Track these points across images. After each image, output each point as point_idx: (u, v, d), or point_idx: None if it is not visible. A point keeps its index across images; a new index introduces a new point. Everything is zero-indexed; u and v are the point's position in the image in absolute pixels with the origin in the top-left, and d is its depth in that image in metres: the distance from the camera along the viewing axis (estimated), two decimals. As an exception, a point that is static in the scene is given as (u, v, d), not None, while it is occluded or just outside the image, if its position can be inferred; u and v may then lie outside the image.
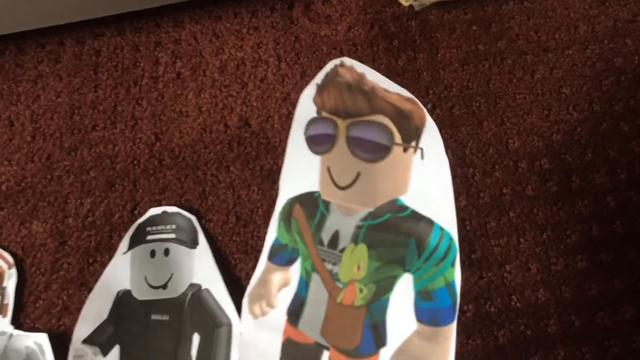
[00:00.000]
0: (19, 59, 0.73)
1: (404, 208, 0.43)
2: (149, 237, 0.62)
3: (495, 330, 0.57)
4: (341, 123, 0.44)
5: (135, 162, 0.68)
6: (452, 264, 0.42)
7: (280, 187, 0.48)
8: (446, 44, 0.71)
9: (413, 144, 0.43)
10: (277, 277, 0.45)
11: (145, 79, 0.73)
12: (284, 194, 0.47)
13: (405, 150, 0.43)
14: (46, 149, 0.70)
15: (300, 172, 0.46)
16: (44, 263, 0.62)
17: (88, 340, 0.57)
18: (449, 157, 0.63)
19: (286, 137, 0.68)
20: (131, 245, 0.61)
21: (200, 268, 0.60)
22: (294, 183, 0.46)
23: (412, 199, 0.43)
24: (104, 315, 0.58)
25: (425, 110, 0.42)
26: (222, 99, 0.72)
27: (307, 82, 0.70)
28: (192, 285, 0.59)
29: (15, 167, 0.69)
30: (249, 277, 0.60)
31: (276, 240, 0.47)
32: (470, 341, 0.56)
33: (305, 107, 0.44)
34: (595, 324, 0.57)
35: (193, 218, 0.62)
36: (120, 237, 0.63)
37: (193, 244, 0.61)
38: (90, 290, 0.61)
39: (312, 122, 0.45)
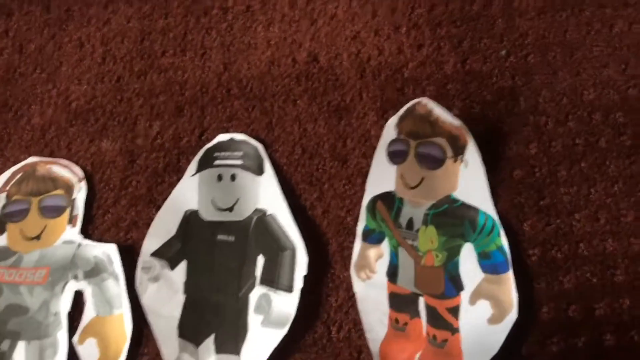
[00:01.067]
0: (91, -18, 0.74)
1: (456, 201, 0.57)
2: (217, 162, 0.62)
3: (561, 276, 0.56)
4: (412, 143, 0.60)
5: (203, 89, 0.69)
6: (499, 235, 0.56)
7: (366, 187, 0.60)
8: (524, -9, 0.70)
9: (460, 157, 0.58)
10: (372, 252, 0.58)
11: (215, 9, 0.73)
12: (369, 193, 0.60)
13: (454, 161, 0.58)
14: (116, 71, 0.70)
15: (381, 177, 0.60)
16: (113, 179, 0.63)
17: (157, 254, 0.58)
18: (521, 106, 0.64)
19: (354, 75, 0.68)
20: (199, 169, 0.62)
21: (266, 194, 0.60)
22: (376, 185, 0.60)
23: (461, 194, 0.57)
24: (172, 231, 0.59)
25: (468, 133, 0.59)
26: (291, 34, 0.71)
27: (377, 22, 0.71)
28: (257, 210, 0.60)
29: (85, 87, 0.70)
30: (313, 206, 0.61)
31: (366, 226, 0.59)
32: (535, 284, 0.56)
33: (389, 131, 0.61)
34: (663, 277, 0.56)
35: (259, 146, 0.63)
36: (188, 161, 0.64)
37: (259, 171, 0.61)
38: (158, 208, 0.61)
39: (392, 142, 0.61)
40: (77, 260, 0.58)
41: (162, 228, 0.59)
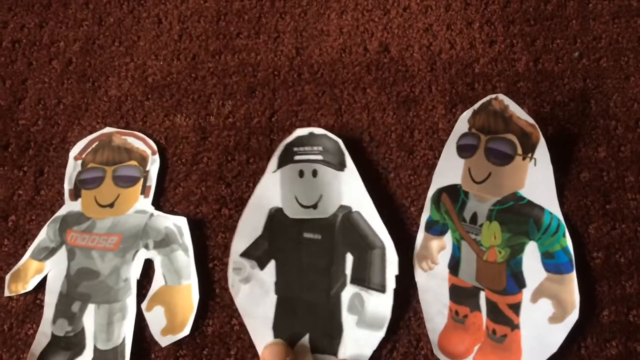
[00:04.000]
0: (174, -40, 0.76)
1: (522, 198, 0.57)
2: (297, 157, 0.62)
3: (624, 280, 0.57)
4: (483, 137, 0.60)
5: (275, 72, 0.70)
6: (564, 235, 0.56)
7: (433, 179, 0.60)
8: (601, -6, 0.69)
9: (529, 155, 0.58)
10: (435, 243, 0.58)
11: (289, -6, 0.74)
12: (434, 185, 0.60)
13: (524, 159, 0.58)
14: (192, 49, 0.72)
15: (448, 170, 0.60)
16: (185, 154, 0.65)
17: (246, 254, 0.59)
18: (592, 109, 0.63)
19: (425, 68, 0.69)
20: (280, 165, 0.62)
21: (350, 190, 0.60)
22: (442, 177, 0.60)
23: (527, 192, 0.57)
24: (259, 231, 0.60)
25: (540, 132, 0.59)
26: (363, 23, 0.72)
27: (450, 16, 0.71)
28: (342, 207, 0.60)
29: (161, 63, 0.71)
30: (380, 198, 0.61)
31: (430, 217, 0.59)
32: (597, 287, 0.56)
33: (461, 124, 0.61)
34: None
35: (339, 141, 0.62)
36: (258, 140, 0.65)
37: (340, 166, 0.61)
38: (227, 185, 0.63)
39: (463, 136, 0.61)
40: (149, 229, 0.60)
41: (249, 227, 0.60)
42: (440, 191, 0.61)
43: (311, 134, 0.64)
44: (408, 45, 0.71)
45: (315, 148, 0.63)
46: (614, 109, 0.65)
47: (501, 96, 0.61)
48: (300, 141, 0.64)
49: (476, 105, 0.62)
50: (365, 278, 0.57)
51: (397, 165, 0.64)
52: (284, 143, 0.64)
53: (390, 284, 0.56)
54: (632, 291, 0.56)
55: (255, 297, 0.58)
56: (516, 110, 0.60)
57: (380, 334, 0.55)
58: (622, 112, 0.64)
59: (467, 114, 0.62)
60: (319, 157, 0.62)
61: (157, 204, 0.63)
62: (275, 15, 0.74)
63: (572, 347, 0.54)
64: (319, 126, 0.65)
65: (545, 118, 0.64)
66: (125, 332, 0.57)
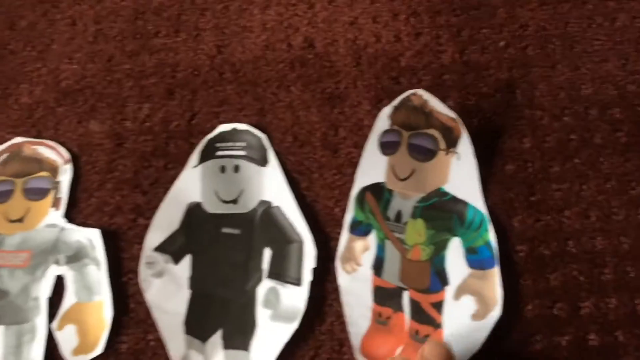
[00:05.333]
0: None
1: (446, 194, 0.56)
2: (219, 153, 0.61)
3: (548, 273, 0.56)
4: (405, 134, 0.58)
5: (195, 72, 0.67)
6: (487, 230, 0.55)
7: (356, 178, 0.59)
8: (526, -19, 0.68)
9: (452, 149, 0.57)
10: (359, 244, 0.57)
11: (210, -10, 0.72)
12: (358, 184, 0.59)
13: (446, 153, 0.57)
14: (107, 51, 0.69)
15: (371, 167, 0.58)
16: (99, 162, 0.63)
17: (160, 248, 0.57)
18: (517, 99, 0.63)
19: (350, 63, 0.67)
20: (201, 160, 0.61)
21: (271, 186, 0.59)
22: (366, 176, 0.58)
23: (451, 188, 0.56)
24: (175, 225, 0.58)
25: (463, 126, 0.57)
26: (287, 18, 0.70)
27: (376, 8, 0.70)
28: (262, 202, 0.59)
29: (75, 66, 0.69)
30: (303, 196, 0.60)
31: (354, 217, 0.58)
32: (521, 281, 0.56)
33: (382, 121, 0.60)
34: (652, 278, 0.55)
35: (263, 136, 0.61)
36: (177, 145, 0.63)
37: (263, 161, 0.60)
38: (144, 192, 0.61)
39: (385, 133, 0.59)
40: (60, 244, 0.57)
41: (165, 221, 0.58)
42: (364, 190, 0.59)
43: (234, 130, 0.63)
44: (333, 39, 0.69)
45: (238, 144, 0.62)
46: (539, 99, 0.63)
47: (420, 91, 0.60)
48: (222, 137, 0.62)
49: (396, 101, 0.60)
50: (282, 272, 0.56)
51: (322, 164, 0.62)
52: (206, 138, 0.62)
53: (307, 276, 0.55)
54: (557, 284, 0.55)
55: (168, 292, 0.56)
56: (436, 105, 0.59)
57: (293, 326, 0.53)
58: (547, 102, 0.63)
59: (387, 110, 0.61)
60: (242, 153, 0.61)
61: (70, 216, 0.60)
62: (195, 12, 0.71)
63: (497, 343, 0.53)
64: (241, 127, 0.63)
65: (471, 111, 0.63)
66: (36, 354, 0.54)
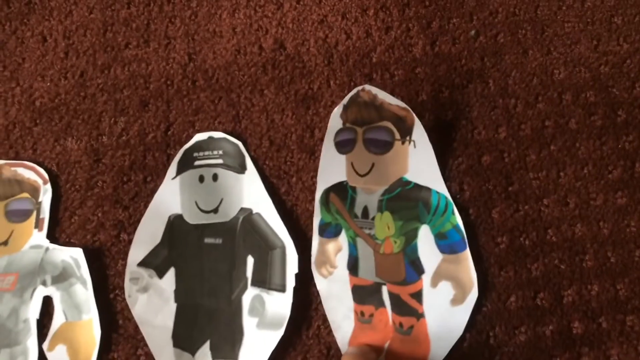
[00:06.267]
0: (51, -28, 0.72)
1: (409, 183, 0.57)
2: (197, 163, 0.61)
3: (529, 263, 0.56)
4: (359, 130, 0.58)
5: (168, 82, 0.67)
6: (453, 213, 0.56)
7: (318, 181, 0.59)
8: (493, -33, 0.68)
9: (407, 138, 0.57)
10: (331, 246, 0.57)
11: (179, -4, 0.71)
12: (320, 186, 0.59)
13: (402, 143, 0.57)
14: (79, 66, 0.69)
15: (331, 168, 0.59)
16: (78, 180, 0.63)
17: (143, 263, 0.58)
18: (490, 89, 0.62)
19: (322, 62, 0.67)
20: (179, 171, 0.61)
21: (250, 193, 0.60)
22: (327, 177, 0.59)
23: (412, 176, 0.57)
24: (157, 239, 0.59)
25: (413, 114, 0.57)
26: (256, 20, 0.70)
27: (345, 4, 0.69)
28: (243, 209, 0.59)
29: (48, 84, 0.68)
30: (282, 201, 0.60)
31: (321, 220, 0.58)
32: (502, 272, 0.56)
33: (335, 121, 0.60)
34: (632, 261, 0.56)
35: (240, 143, 0.62)
36: (154, 157, 0.63)
37: (241, 168, 0.61)
38: (125, 208, 0.61)
39: (339, 132, 0.59)
40: (45, 265, 0.58)
41: (147, 236, 0.59)
42: (327, 191, 0.60)
43: (210, 138, 0.63)
44: (304, 39, 0.68)
45: (215, 152, 0.62)
46: (512, 87, 0.63)
47: (368, 87, 0.60)
48: (199, 146, 0.63)
49: (345, 100, 0.61)
50: (266, 279, 0.56)
51: (299, 168, 0.62)
52: (183, 148, 0.63)
53: (290, 282, 0.56)
54: (538, 274, 0.56)
55: (154, 306, 0.57)
56: (386, 97, 0.59)
57: (279, 332, 0.54)
58: (521, 89, 0.63)
59: (338, 109, 0.61)
60: (219, 161, 0.61)
61: (53, 236, 0.61)
62: (164, 20, 0.71)
63: (481, 337, 0.54)
64: (217, 135, 0.63)
65: (445, 103, 0.63)
66: (28, 376, 0.54)
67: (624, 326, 0.54)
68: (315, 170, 0.62)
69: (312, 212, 0.60)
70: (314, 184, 0.61)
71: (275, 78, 0.67)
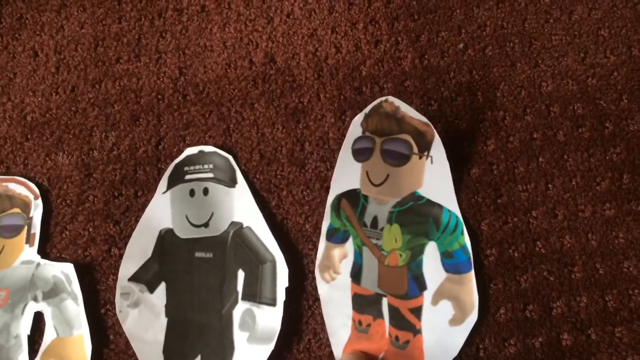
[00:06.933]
0: (42, -12, 0.72)
1: (421, 198, 0.57)
2: (187, 177, 0.61)
3: (518, 275, 0.56)
4: (378, 140, 0.59)
5: (159, 96, 0.68)
6: (462, 233, 0.56)
7: (331, 186, 0.60)
8: (481, -19, 0.68)
9: (425, 153, 0.58)
10: (337, 251, 0.58)
11: (169, 10, 0.72)
12: (333, 191, 0.59)
13: (420, 157, 0.58)
14: (70, 81, 0.69)
15: (346, 175, 0.59)
16: (69, 195, 0.63)
17: (134, 278, 0.58)
18: (479, 101, 0.62)
19: (312, 76, 0.67)
20: (170, 185, 0.61)
21: (240, 206, 0.60)
22: (341, 183, 0.59)
23: (426, 191, 0.57)
24: (148, 253, 0.59)
25: (434, 130, 0.58)
26: (247, 34, 0.70)
27: (334, 18, 0.69)
28: (233, 223, 0.59)
29: (40, 99, 0.68)
30: (272, 214, 0.60)
31: (330, 225, 0.58)
32: (492, 285, 0.56)
33: (355, 128, 0.60)
34: (621, 272, 0.56)
35: (230, 157, 0.62)
36: (145, 171, 0.63)
37: (231, 182, 0.61)
38: (116, 222, 0.61)
39: (358, 140, 0.60)
40: (36, 280, 0.58)
41: (138, 250, 0.59)
42: (339, 197, 0.60)
43: (201, 152, 0.63)
44: (294, 53, 0.69)
45: (205, 166, 0.62)
46: (501, 99, 0.64)
47: (391, 98, 0.61)
48: (190, 160, 0.63)
49: (367, 109, 0.61)
50: (257, 293, 0.57)
51: (289, 181, 0.62)
52: (174, 163, 0.63)
53: (281, 296, 0.56)
54: (527, 285, 0.56)
55: (145, 321, 0.57)
56: (408, 110, 0.59)
57: (270, 347, 0.55)
58: (509, 101, 0.64)
59: (359, 117, 0.61)
60: (210, 175, 0.62)
61: (44, 251, 0.61)
62: (155, 34, 0.71)
63: (471, 350, 0.54)
64: (208, 149, 0.63)
65: (433, 116, 0.63)
66: (18, 392, 0.54)
67: (612, 337, 0.55)
68: (306, 183, 0.62)
69: (303, 225, 0.60)
70: (304, 197, 0.61)
71: (265, 92, 0.67)
